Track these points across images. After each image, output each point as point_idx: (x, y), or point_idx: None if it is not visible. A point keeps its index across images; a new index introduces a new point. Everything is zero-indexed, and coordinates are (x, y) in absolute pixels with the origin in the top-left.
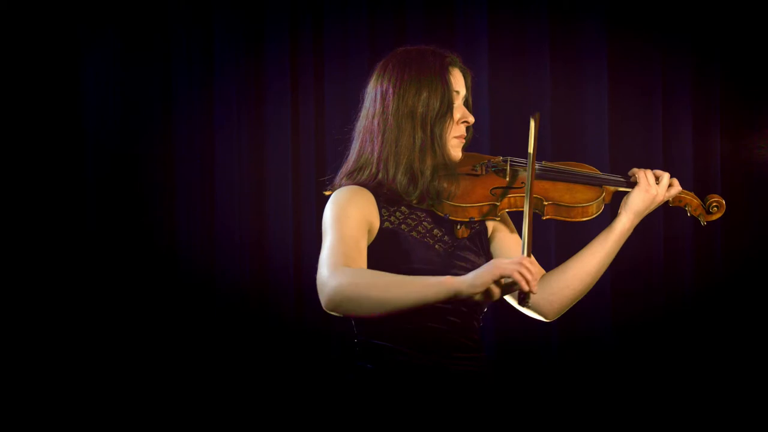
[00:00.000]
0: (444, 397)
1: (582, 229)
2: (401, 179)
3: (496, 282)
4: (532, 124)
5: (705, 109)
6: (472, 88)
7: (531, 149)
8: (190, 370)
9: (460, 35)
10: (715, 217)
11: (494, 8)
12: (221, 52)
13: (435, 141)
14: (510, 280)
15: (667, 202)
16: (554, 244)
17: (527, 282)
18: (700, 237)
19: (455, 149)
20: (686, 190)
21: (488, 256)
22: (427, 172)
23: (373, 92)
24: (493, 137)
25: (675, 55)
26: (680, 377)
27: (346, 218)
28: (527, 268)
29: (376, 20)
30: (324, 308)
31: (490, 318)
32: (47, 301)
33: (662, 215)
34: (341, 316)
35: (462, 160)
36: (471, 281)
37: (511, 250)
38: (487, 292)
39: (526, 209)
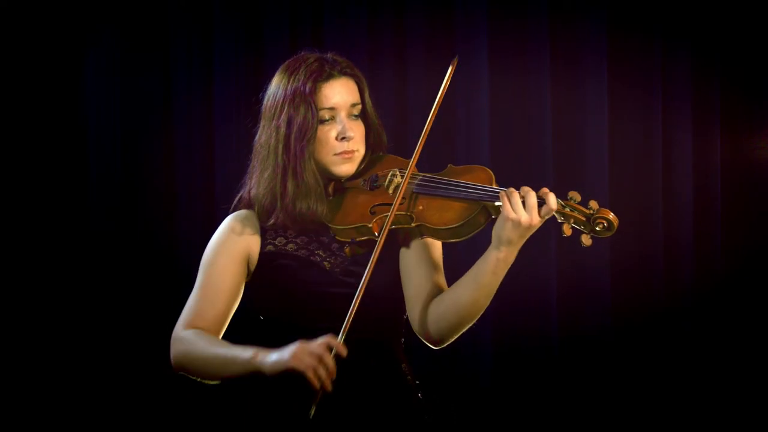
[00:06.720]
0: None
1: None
2: (263, 201)
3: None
4: (450, 69)
5: (705, 109)
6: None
7: (414, 159)
8: None
9: (460, 35)
10: (601, 235)
11: (494, 8)
12: (221, 52)
13: (297, 162)
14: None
15: (554, 219)
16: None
17: (320, 380)
18: (699, 236)
19: (338, 165)
20: (582, 203)
21: (394, 273)
22: (289, 195)
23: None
24: (493, 137)
25: (675, 55)
26: (680, 376)
27: (211, 264)
28: (325, 365)
29: (376, 20)
30: None
31: (489, 317)
32: (50, 301)
33: (662, 213)
34: None
35: (364, 172)
36: (270, 364)
37: (413, 273)
38: (288, 372)
39: (364, 277)
